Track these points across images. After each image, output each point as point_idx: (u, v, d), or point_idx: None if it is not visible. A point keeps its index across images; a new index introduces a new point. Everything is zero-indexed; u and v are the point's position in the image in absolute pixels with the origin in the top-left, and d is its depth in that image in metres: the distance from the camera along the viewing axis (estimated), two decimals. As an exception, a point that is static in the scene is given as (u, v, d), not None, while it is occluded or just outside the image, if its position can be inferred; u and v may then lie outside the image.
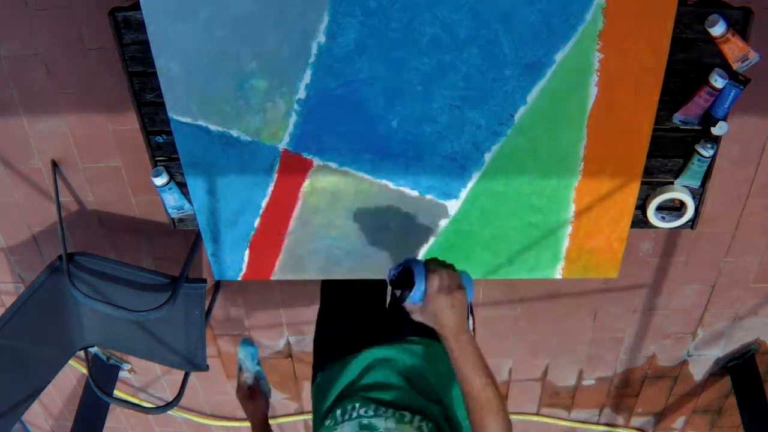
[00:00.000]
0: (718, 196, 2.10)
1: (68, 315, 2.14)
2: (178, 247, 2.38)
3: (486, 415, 0.92)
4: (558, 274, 1.49)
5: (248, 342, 1.32)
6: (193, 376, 2.71)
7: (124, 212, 2.32)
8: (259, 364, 1.32)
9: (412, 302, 1.02)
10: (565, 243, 1.44)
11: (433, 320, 1.00)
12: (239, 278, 1.55)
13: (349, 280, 1.56)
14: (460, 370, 0.96)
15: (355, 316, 1.49)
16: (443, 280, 0.99)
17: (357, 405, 1.11)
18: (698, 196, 1.44)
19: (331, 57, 1.24)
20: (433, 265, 1.03)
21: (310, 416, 2.94)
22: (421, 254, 1.48)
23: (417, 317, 1.03)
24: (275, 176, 1.39)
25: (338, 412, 1.11)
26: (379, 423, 1.05)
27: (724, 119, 1.30)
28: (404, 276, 1.04)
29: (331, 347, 1.38)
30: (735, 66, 1.24)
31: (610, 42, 1.19)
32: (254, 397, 1.30)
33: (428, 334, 1.18)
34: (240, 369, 1.32)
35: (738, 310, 2.40)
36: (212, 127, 1.33)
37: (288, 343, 2.67)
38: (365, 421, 1.06)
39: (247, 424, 1.33)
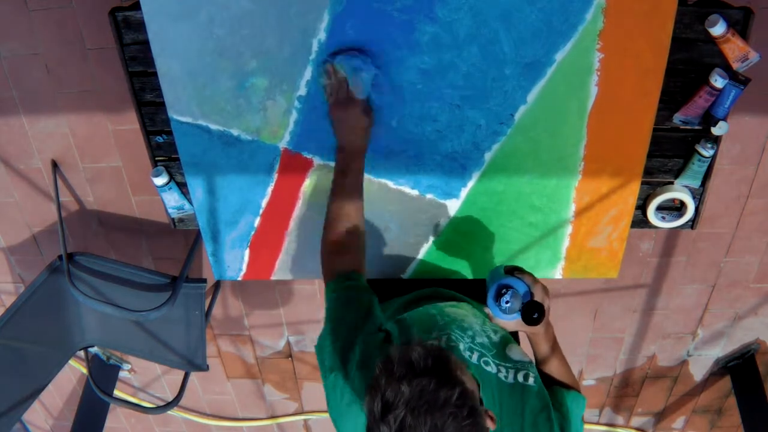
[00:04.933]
0: (718, 196, 2.10)
1: (68, 315, 2.14)
2: (178, 247, 2.38)
3: (564, 377, 1.19)
4: (558, 274, 1.49)
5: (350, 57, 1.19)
6: (193, 376, 2.71)
7: (124, 212, 2.32)
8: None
9: (509, 319, 1.07)
10: (565, 243, 1.44)
11: (530, 328, 1.09)
12: (239, 278, 1.55)
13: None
14: (545, 352, 1.15)
15: None
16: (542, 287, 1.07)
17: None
18: (698, 196, 1.44)
19: (332, 55, 1.23)
20: (528, 276, 1.07)
21: (309, 416, 2.94)
22: (421, 254, 1.47)
23: (512, 328, 1.12)
24: (275, 176, 1.39)
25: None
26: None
27: (724, 119, 1.29)
28: (512, 297, 1.06)
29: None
30: (735, 66, 1.24)
31: (610, 42, 1.19)
32: (368, 112, 1.23)
33: None
34: (347, 81, 1.20)
35: (738, 310, 2.40)
36: (212, 127, 1.33)
37: (288, 343, 2.67)
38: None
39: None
